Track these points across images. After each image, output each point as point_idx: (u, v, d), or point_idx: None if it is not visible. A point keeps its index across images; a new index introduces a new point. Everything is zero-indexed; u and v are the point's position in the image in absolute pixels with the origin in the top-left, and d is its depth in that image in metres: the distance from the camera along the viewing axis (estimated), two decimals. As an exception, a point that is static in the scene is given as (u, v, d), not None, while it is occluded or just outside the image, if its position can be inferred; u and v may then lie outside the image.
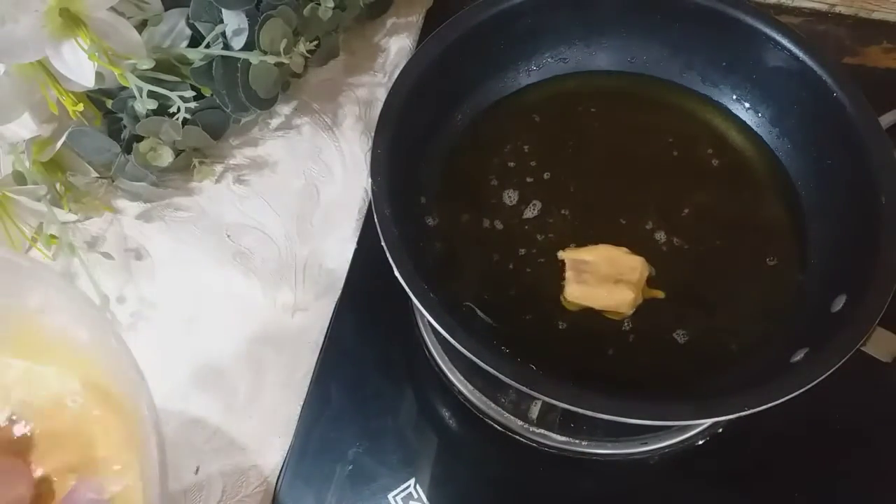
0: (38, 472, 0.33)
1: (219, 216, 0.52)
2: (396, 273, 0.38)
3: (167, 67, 0.49)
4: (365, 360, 0.48)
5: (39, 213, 0.48)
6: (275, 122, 0.56)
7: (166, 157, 0.50)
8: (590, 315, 0.43)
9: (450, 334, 0.37)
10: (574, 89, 0.52)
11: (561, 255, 0.45)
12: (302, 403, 0.46)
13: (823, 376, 0.36)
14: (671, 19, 0.50)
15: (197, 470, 0.44)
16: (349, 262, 0.50)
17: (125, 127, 0.50)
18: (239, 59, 0.49)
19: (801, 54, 0.46)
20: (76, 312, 0.34)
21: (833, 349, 0.37)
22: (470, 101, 0.50)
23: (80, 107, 0.46)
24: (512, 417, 0.45)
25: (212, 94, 0.50)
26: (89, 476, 0.33)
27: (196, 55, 0.49)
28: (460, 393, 0.46)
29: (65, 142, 0.48)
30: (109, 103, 0.50)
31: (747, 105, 0.50)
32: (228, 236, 0.51)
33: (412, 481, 0.44)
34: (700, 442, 0.45)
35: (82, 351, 0.34)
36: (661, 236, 0.46)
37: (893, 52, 0.60)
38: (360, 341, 0.48)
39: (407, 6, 0.61)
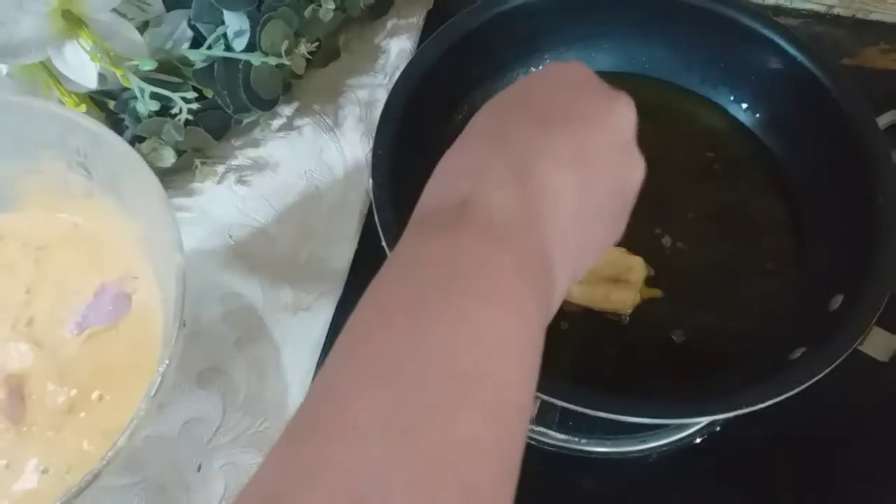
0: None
1: (220, 216, 0.52)
2: (397, 273, 0.39)
3: (169, 69, 0.49)
4: (366, 360, 0.48)
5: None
6: (276, 122, 0.56)
7: (168, 157, 0.50)
8: (589, 315, 0.43)
9: (450, 333, 0.37)
10: (573, 90, 0.52)
11: (560, 254, 0.45)
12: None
13: (821, 375, 0.36)
14: (670, 20, 0.50)
15: (199, 468, 0.44)
16: (350, 262, 0.50)
17: (127, 128, 0.50)
18: (240, 60, 0.49)
19: (799, 55, 0.46)
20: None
21: (830, 348, 0.37)
22: (470, 102, 0.50)
23: (83, 108, 0.47)
24: (512, 416, 0.45)
25: (213, 96, 0.50)
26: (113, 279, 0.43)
27: (198, 56, 0.49)
28: (460, 392, 0.46)
29: (67, 142, 0.48)
30: (111, 104, 0.50)
31: (745, 106, 0.50)
32: (230, 236, 0.51)
33: (413, 480, 0.44)
34: (698, 440, 0.45)
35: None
36: (659, 237, 0.46)
37: (891, 53, 0.60)
38: (361, 341, 0.48)
39: (407, 8, 0.61)
